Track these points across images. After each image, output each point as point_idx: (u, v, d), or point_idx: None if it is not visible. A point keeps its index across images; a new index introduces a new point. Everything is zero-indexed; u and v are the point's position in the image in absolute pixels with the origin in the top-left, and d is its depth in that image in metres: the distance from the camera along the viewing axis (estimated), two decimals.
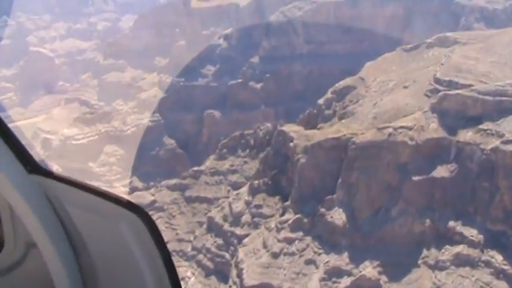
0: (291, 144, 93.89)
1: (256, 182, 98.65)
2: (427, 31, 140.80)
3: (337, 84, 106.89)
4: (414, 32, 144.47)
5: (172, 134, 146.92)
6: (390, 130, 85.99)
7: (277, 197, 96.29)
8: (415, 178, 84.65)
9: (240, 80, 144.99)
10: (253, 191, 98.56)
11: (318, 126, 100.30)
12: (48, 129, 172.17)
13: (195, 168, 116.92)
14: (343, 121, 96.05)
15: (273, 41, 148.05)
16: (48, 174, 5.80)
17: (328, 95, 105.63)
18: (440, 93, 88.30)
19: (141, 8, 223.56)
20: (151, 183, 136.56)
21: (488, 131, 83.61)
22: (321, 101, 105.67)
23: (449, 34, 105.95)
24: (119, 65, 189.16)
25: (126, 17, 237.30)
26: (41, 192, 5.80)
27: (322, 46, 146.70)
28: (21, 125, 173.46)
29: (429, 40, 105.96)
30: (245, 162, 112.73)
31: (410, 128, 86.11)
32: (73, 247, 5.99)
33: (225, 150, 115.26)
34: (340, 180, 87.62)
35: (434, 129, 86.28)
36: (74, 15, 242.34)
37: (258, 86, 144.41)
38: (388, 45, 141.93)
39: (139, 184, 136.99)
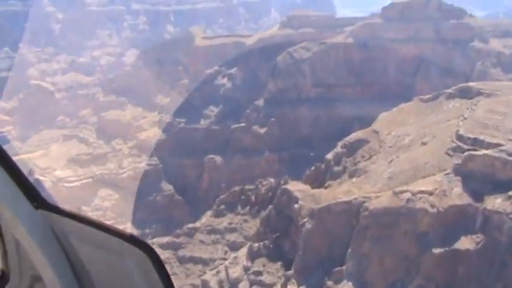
0: (296, 205, 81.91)
1: (256, 244, 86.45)
2: (441, 75, 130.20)
3: (347, 138, 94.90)
4: (427, 76, 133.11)
5: (170, 179, 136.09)
6: (408, 195, 73.81)
7: (279, 263, 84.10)
8: (436, 250, 72.42)
9: (243, 124, 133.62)
10: (253, 255, 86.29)
11: (326, 184, 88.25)
12: (44, 166, 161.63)
13: (190, 226, 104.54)
14: (354, 180, 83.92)
15: (279, 83, 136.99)
16: (55, 209, 5.69)
17: (338, 149, 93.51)
18: (465, 154, 76.15)
19: (145, 43, 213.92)
20: (147, 231, 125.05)
21: None
22: (329, 156, 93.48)
23: (471, 84, 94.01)
24: (120, 102, 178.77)
25: (130, 52, 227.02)
26: (47, 227, 5.69)
27: (330, 89, 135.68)
28: (18, 160, 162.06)
29: (449, 90, 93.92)
30: (245, 221, 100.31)
31: (431, 193, 73.92)
32: (79, 282, 5.81)
33: (223, 207, 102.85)
34: (350, 250, 75.35)
35: (457, 195, 74.10)
36: (77, 48, 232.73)
37: (262, 130, 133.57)
38: (399, 89, 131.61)
39: (134, 231, 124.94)
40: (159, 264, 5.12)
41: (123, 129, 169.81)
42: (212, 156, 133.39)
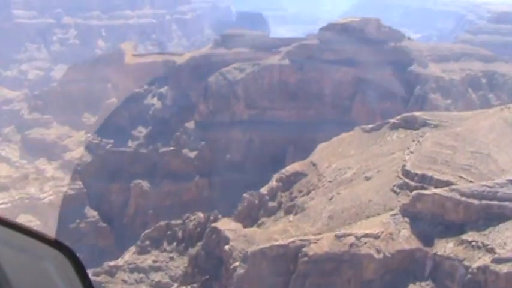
0: (227, 247, 71.56)
1: None
2: (379, 99, 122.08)
3: (283, 170, 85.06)
4: (364, 100, 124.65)
5: (95, 205, 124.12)
6: (352, 239, 64.50)
7: None
8: None
9: (172, 148, 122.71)
10: None
11: (260, 222, 78.22)
12: None
13: (111, 263, 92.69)
14: (290, 218, 74.18)
15: (211, 104, 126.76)
16: None
17: (273, 182, 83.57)
18: (413, 193, 67.32)
19: (75, 58, 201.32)
20: None
21: (473, 243, 62.99)
22: (264, 190, 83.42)
23: (417, 114, 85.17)
24: (45, 120, 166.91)
25: (59, 67, 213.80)
26: None
27: (264, 112, 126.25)
28: None
29: (393, 120, 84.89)
30: (171, 259, 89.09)
31: (376, 237, 64.82)
32: None
33: (147, 242, 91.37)
34: None
35: (405, 238, 65.36)
36: (4, 61, 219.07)
37: (192, 154, 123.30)
38: (336, 113, 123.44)
39: None
40: (80, 268, 4.90)
41: (47, 148, 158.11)
42: (139, 181, 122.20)
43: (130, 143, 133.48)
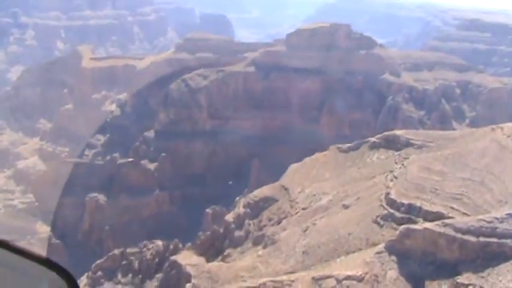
0: (188, 285, 60.61)
1: None
2: (348, 110, 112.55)
3: (251, 195, 74.09)
4: (333, 110, 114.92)
5: (47, 220, 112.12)
6: (332, 283, 53.89)
7: None
8: None
9: (130, 159, 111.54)
10: None
11: (225, 253, 67.33)
12: None
13: None
14: (260, 251, 63.44)
15: (172, 113, 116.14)
16: None
17: (240, 209, 72.63)
18: (402, 228, 56.82)
19: (33, 60, 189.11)
20: None
21: (470, 287, 52.57)
22: (229, 217, 72.46)
23: (399, 132, 74.77)
24: None
25: (16, 68, 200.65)
26: None
27: (228, 122, 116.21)
28: None
29: (373, 139, 74.47)
30: None
31: (360, 279, 54.33)
32: None
33: (100, 274, 79.63)
34: None
35: (393, 280, 54.93)
36: None
37: (152, 166, 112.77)
38: (303, 123, 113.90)
39: None
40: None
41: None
42: (95, 194, 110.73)
43: (87, 152, 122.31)
